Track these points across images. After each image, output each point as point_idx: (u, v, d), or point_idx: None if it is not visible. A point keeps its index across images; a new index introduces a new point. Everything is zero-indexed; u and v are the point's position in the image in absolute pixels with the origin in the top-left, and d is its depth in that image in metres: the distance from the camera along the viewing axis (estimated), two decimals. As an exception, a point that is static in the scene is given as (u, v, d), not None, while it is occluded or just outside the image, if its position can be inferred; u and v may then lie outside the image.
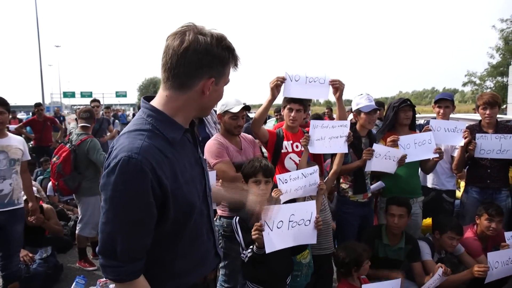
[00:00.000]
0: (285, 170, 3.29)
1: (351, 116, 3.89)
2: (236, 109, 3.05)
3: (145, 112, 1.39)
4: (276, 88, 3.01)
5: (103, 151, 4.54)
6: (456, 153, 3.94)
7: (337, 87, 3.14)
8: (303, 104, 3.35)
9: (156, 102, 1.41)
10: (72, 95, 50.24)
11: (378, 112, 3.60)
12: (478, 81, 28.32)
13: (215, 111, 3.59)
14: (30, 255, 4.11)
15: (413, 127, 3.96)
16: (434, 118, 4.14)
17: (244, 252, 2.42)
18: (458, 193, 4.50)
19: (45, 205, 4.56)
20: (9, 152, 3.50)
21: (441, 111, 4.02)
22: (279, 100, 3.39)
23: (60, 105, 41.77)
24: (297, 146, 3.32)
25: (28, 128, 9.25)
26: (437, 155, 3.58)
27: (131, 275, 1.33)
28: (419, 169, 3.88)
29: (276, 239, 2.27)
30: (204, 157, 1.62)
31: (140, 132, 1.33)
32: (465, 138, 3.69)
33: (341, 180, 3.60)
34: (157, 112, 1.37)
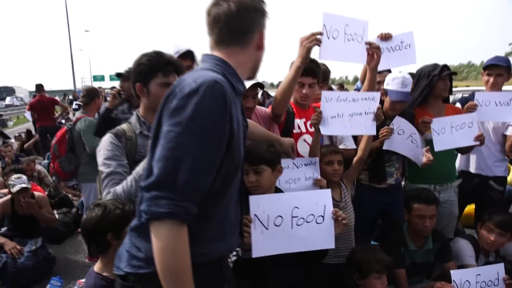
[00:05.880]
0: (298, 155, 2.61)
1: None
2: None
3: (211, 62, 1.36)
4: (310, 50, 2.25)
5: None
6: (510, 131, 3.21)
7: (372, 54, 2.43)
8: (317, 76, 2.65)
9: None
10: (102, 78, 50.92)
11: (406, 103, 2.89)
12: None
13: None
14: (18, 247, 3.75)
15: (448, 100, 3.29)
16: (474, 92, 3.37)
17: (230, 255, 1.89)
18: (508, 179, 3.78)
19: (36, 193, 4.19)
20: None
21: (491, 79, 3.27)
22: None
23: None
24: (311, 126, 2.64)
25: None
26: (478, 143, 2.92)
27: (186, 215, 1.15)
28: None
29: (270, 240, 1.69)
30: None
31: (214, 71, 1.30)
32: None
33: None
34: (225, 63, 1.36)
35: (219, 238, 1.36)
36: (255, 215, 1.68)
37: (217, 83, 1.20)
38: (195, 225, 1.22)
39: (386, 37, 2.74)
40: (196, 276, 1.19)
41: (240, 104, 1.45)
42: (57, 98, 11.01)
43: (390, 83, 2.80)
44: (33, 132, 9.89)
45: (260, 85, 2.41)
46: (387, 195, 2.92)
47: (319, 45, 2.25)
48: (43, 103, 9.09)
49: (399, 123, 2.77)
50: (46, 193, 5.25)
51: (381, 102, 2.95)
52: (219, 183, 1.28)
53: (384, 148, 2.74)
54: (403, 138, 2.76)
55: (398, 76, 2.78)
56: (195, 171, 1.15)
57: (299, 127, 2.71)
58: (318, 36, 2.23)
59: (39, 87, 9.47)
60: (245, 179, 1.94)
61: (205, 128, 1.17)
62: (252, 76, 1.52)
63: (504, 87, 3.40)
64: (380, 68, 2.66)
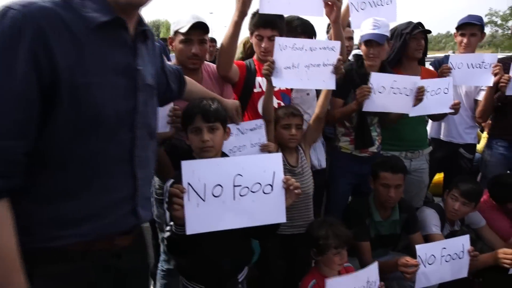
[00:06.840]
0: (258, 116, 2.38)
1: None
2: (185, 27, 2.04)
3: None
4: (248, 2, 2.04)
5: None
6: (481, 96, 3.04)
7: (332, 5, 2.22)
8: (278, 27, 2.36)
9: None
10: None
11: (385, 45, 2.60)
12: (499, 21, 26.17)
13: None
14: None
15: (423, 62, 3.09)
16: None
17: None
18: (478, 147, 3.69)
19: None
20: None
21: (465, 40, 3.06)
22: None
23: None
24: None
25: None
26: (453, 111, 2.75)
27: None
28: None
29: (208, 215, 1.45)
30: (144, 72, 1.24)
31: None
32: (495, 75, 2.79)
33: (338, 133, 2.76)
34: None
35: (85, 218, 1.13)
36: (189, 184, 1.42)
37: (10, 11, 0.95)
38: (38, 201, 1.06)
39: None
40: (50, 265, 1.08)
41: (123, 40, 1.17)
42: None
43: (363, 28, 2.56)
44: None
45: (203, 27, 2.09)
46: (367, 165, 2.67)
47: None
48: None
49: (378, 80, 2.44)
50: None
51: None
52: (55, 147, 1.05)
53: (364, 110, 2.47)
54: (385, 94, 2.46)
55: (369, 20, 2.53)
56: None
57: (260, 86, 2.45)
58: None
59: None
60: (197, 138, 1.70)
61: None
62: (125, 8, 1.15)
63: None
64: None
